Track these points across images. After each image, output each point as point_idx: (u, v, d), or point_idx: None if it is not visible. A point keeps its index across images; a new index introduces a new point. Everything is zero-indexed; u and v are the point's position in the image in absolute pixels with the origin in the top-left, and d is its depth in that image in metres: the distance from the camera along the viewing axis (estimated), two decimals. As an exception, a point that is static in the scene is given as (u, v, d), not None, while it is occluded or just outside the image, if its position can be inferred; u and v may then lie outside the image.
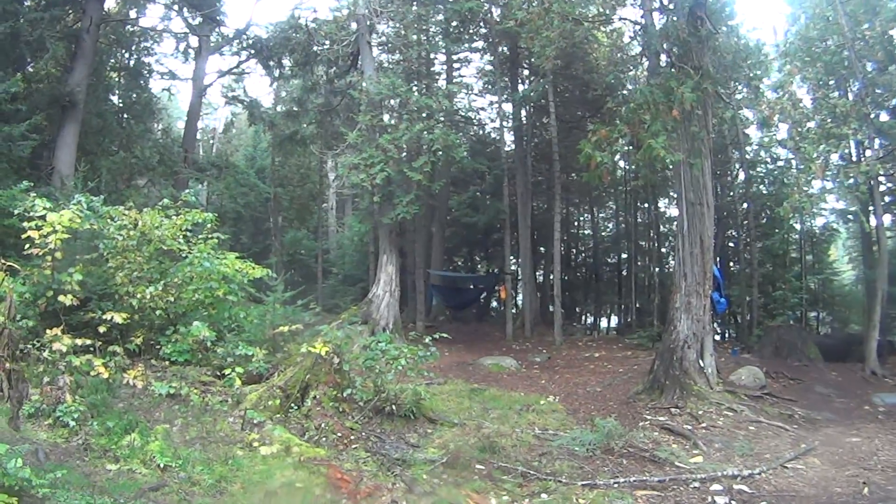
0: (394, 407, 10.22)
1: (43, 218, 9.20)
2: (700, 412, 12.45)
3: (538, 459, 9.49)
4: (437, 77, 29.77)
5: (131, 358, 9.44)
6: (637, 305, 30.46)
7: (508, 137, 30.50)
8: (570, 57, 24.22)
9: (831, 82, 19.02)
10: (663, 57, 15.19)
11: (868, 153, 19.05)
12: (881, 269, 18.42)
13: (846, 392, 15.79)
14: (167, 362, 9.93)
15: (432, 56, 29.27)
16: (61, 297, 8.83)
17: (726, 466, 9.16)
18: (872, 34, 17.97)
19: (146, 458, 7.02)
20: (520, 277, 28.68)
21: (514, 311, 27.10)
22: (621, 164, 28.23)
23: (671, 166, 14.63)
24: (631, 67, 24.49)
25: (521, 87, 28.47)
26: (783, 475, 8.90)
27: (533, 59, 26.90)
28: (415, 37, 26.23)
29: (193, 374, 9.68)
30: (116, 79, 27.34)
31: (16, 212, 10.10)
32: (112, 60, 26.89)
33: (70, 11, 21.62)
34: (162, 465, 6.95)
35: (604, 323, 35.13)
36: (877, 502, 7.64)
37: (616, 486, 8.18)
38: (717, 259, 22.84)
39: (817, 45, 18.62)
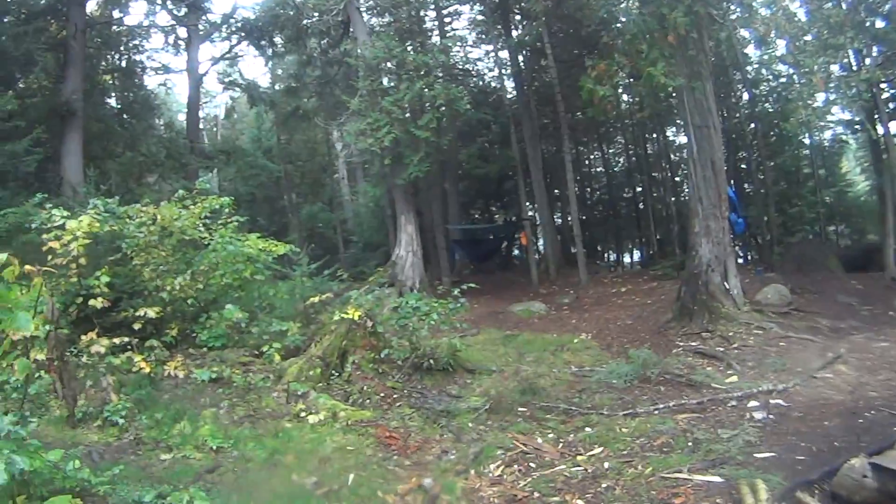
0: (431, 362, 10.35)
1: (62, 227, 9.11)
2: (730, 333, 12.57)
3: (578, 396, 9.68)
4: (430, 34, 29.40)
5: (169, 349, 9.52)
6: (658, 237, 30.41)
7: (509, 84, 30.02)
8: (559, -5, 23.82)
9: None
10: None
11: (867, 61, 18.61)
12: (890, 177, 18.26)
13: (869, 300, 15.90)
14: (205, 349, 10.12)
15: (422, 13, 28.97)
16: (92, 302, 8.78)
17: (761, 383, 9.23)
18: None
19: (198, 443, 7.16)
20: (538, 222, 28.56)
21: (536, 256, 27.07)
22: (624, 97, 27.95)
23: (674, 93, 14.51)
24: (621, -1, 23.92)
25: (514, 33, 27.89)
26: (814, 385, 8.96)
27: (523, 3, 26.63)
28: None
29: (232, 356, 9.87)
30: (111, 81, 27.31)
31: (33, 226, 10.08)
32: (103, 63, 26.96)
33: (52, 21, 21.50)
34: (214, 448, 7.09)
35: (627, 258, 35.04)
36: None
37: (657, 412, 8.30)
38: (731, 181, 22.50)
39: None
